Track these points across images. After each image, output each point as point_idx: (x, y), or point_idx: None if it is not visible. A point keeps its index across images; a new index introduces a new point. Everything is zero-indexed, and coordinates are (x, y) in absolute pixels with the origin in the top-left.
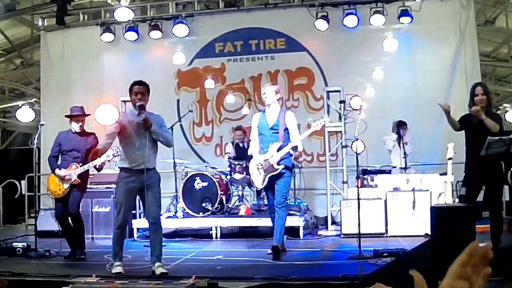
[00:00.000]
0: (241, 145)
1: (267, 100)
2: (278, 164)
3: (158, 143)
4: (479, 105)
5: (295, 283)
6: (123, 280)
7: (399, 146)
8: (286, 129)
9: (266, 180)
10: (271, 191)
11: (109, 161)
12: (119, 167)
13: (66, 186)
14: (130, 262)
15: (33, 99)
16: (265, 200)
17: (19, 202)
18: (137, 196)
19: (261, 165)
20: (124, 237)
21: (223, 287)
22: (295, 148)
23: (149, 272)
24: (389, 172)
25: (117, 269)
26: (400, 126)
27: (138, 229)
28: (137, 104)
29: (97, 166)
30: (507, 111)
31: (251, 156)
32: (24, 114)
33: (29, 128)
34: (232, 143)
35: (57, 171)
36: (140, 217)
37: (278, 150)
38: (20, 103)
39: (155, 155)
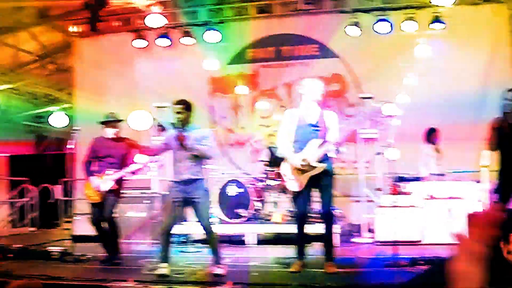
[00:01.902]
0: (276, 150)
1: (311, 97)
2: (319, 162)
3: None
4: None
5: None
6: (158, 285)
7: (435, 152)
8: (327, 128)
9: (305, 181)
10: (304, 197)
11: (144, 167)
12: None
13: (99, 194)
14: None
15: (67, 105)
16: None
17: (53, 206)
18: (187, 206)
19: (299, 165)
20: (169, 242)
21: None
22: (336, 149)
23: (186, 278)
24: (423, 179)
25: (161, 270)
26: (430, 134)
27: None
28: (170, 122)
29: (133, 171)
30: None
31: (280, 158)
32: (58, 120)
33: (63, 133)
34: (268, 148)
35: (91, 178)
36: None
37: (318, 148)
38: (54, 108)
39: (199, 167)
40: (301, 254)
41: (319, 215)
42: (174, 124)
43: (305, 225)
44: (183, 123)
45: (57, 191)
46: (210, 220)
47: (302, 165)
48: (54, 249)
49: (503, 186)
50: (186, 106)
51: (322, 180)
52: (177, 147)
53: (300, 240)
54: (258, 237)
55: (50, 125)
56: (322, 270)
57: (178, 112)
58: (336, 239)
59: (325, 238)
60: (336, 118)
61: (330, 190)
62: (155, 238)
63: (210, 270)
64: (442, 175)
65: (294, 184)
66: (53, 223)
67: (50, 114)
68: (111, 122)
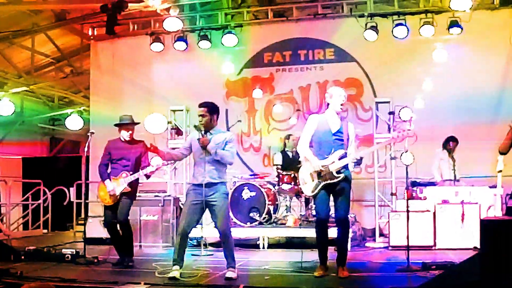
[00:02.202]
0: (290, 154)
1: (335, 106)
2: (338, 172)
3: None
4: None
5: None
6: None
7: (449, 158)
8: (348, 139)
9: (320, 187)
10: (324, 201)
11: (157, 169)
12: (188, 182)
13: (112, 198)
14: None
15: (82, 108)
16: (313, 211)
17: (68, 209)
18: (206, 209)
19: (319, 171)
20: (184, 245)
21: None
22: (358, 161)
23: (198, 281)
24: (437, 184)
25: (173, 273)
26: (449, 141)
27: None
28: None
29: (147, 174)
30: None
31: (299, 164)
32: (73, 122)
33: (77, 136)
34: (282, 152)
35: (106, 182)
36: None
37: (340, 159)
38: (69, 111)
39: (219, 171)
40: (323, 258)
41: (334, 220)
42: (197, 127)
43: (327, 230)
44: (206, 126)
45: (71, 193)
46: (228, 224)
47: (322, 170)
48: (67, 251)
49: None
50: (209, 109)
51: (339, 186)
52: (199, 150)
53: (322, 244)
54: (270, 241)
55: (66, 127)
56: (334, 274)
57: (201, 115)
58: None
59: (339, 244)
60: (354, 130)
61: (347, 196)
62: (168, 241)
63: (223, 273)
64: (457, 180)
65: (308, 188)
66: (66, 225)
67: (66, 117)
68: (126, 124)
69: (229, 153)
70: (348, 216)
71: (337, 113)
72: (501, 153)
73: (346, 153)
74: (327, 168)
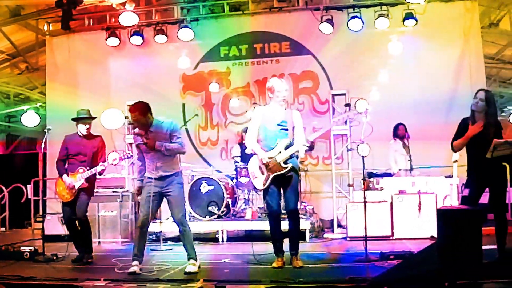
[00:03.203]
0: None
1: (286, 97)
2: (285, 163)
3: None
4: (479, 109)
5: (302, 285)
6: (131, 283)
7: (404, 149)
8: (293, 128)
9: (269, 180)
10: (275, 194)
11: (115, 164)
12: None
13: (72, 192)
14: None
15: (38, 104)
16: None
17: (25, 206)
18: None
19: (267, 162)
20: (144, 238)
21: None
22: (310, 147)
23: (157, 276)
24: (394, 175)
25: (133, 268)
26: (396, 129)
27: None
28: (133, 132)
29: (104, 170)
30: (511, 113)
31: (251, 155)
32: (29, 119)
33: (33, 132)
34: (240, 144)
35: (64, 177)
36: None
37: (286, 148)
38: (25, 107)
39: (171, 162)
40: (279, 250)
41: (285, 212)
42: (137, 133)
43: (280, 222)
44: (144, 127)
45: (29, 190)
46: (184, 212)
47: (268, 162)
48: (25, 249)
49: (472, 182)
50: (140, 111)
51: (288, 178)
52: (147, 150)
53: (277, 237)
54: (229, 234)
55: (22, 124)
56: (290, 266)
57: (135, 120)
58: (305, 235)
59: (292, 234)
60: (301, 118)
61: (296, 187)
62: (127, 237)
63: (182, 268)
64: (411, 170)
65: (259, 182)
66: (24, 223)
67: (22, 113)
68: (83, 118)
69: (177, 145)
70: (298, 206)
71: (285, 102)
72: (453, 150)
73: (291, 142)
74: (274, 160)
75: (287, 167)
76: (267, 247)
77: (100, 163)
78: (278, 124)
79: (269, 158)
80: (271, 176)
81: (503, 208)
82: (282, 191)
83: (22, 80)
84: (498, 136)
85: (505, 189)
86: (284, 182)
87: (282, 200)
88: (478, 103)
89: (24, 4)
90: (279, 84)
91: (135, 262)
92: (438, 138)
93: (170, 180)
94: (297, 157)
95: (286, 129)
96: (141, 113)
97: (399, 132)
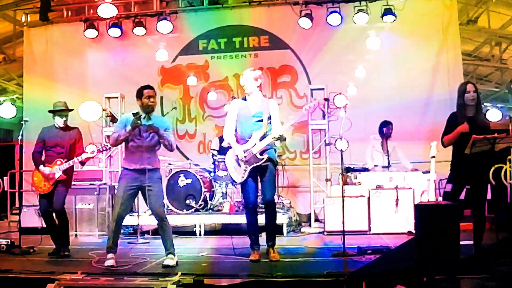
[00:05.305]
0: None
1: (246, 89)
2: (261, 154)
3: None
4: (471, 103)
5: (280, 280)
6: (108, 277)
7: (383, 145)
8: (269, 118)
9: (247, 173)
10: (252, 187)
11: (93, 157)
12: (122, 166)
13: (51, 182)
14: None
15: (15, 95)
16: None
17: (1, 198)
18: (138, 194)
19: (242, 156)
20: (119, 231)
21: (208, 284)
22: (279, 138)
23: (135, 269)
24: (371, 170)
25: (109, 262)
26: (384, 126)
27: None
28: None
29: (83, 160)
30: (488, 110)
31: (228, 148)
32: (6, 110)
33: (10, 124)
34: (219, 138)
35: (41, 167)
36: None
37: (261, 139)
38: (2, 99)
39: (155, 157)
40: (256, 244)
41: (262, 203)
42: (137, 114)
43: (257, 215)
44: (153, 108)
45: (5, 182)
46: (163, 207)
47: (244, 156)
48: (2, 241)
49: (454, 177)
50: (154, 91)
51: (264, 168)
52: (136, 136)
53: (253, 230)
54: (206, 228)
55: None
56: (267, 260)
57: (151, 96)
58: (283, 230)
59: (268, 226)
60: (277, 107)
61: (272, 179)
62: (103, 230)
63: (160, 261)
64: (388, 166)
65: (237, 175)
66: (0, 215)
67: None
68: (60, 110)
69: (173, 140)
70: (275, 198)
71: (262, 94)
72: (444, 146)
73: (266, 133)
74: (250, 152)
75: (264, 158)
76: (245, 241)
77: (84, 152)
78: (254, 116)
79: (245, 150)
80: (248, 169)
81: (482, 204)
82: (259, 184)
83: None
84: (487, 132)
85: (487, 186)
86: (261, 174)
87: (260, 193)
88: (472, 95)
89: None
90: (250, 73)
91: (110, 255)
92: (415, 133)
93: (151, 175)
94: (275, 150)
95: (262, 120)
96: (155, 93)
97: (385, 131)
